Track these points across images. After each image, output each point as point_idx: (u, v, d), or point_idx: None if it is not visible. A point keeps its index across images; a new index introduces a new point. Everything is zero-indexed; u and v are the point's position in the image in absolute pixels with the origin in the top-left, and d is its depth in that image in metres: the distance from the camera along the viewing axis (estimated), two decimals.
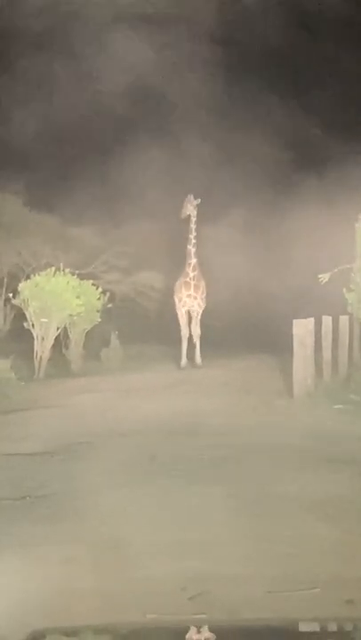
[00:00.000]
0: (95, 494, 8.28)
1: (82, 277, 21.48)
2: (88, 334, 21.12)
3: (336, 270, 15.76)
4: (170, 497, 8.19)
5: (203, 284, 21.29)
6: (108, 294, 21.18)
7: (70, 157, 27.10)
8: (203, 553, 6.52)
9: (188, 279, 21.01)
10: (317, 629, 4.14)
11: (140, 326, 25.00)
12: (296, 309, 17.27)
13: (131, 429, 12.23)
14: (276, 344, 19.29)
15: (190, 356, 20.75)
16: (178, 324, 21.11)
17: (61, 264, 21.02)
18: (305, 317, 15.88)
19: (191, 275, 21.00)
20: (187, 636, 3.69)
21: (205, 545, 6.71)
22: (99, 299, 20.82)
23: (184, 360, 20.59)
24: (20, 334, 21.03)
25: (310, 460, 10.10)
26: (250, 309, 26.82)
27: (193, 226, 20.87)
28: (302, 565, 6.30)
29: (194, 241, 20.95)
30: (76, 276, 20.72)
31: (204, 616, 5.10)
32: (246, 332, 25.26)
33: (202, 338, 21.12)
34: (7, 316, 27.21)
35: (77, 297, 19.88)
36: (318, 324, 16.19)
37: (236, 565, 6.25)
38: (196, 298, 21.06)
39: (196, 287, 21.05)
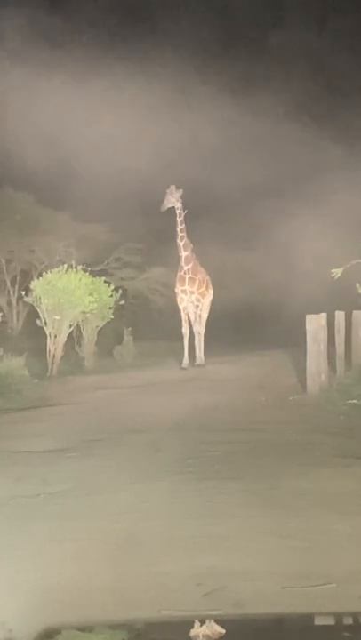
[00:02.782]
0: (109, 491, 8.28)
1: (94, 274, 21.50)
2: (101, 331, 21.14)
3: (349, 265, 15.71)
4: (184, 493, 8.19)
5: (201, 276, 20.60)
6: (120, 291, 21.18)
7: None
8: (217, 549, 6.51)
9: (182, 273, 20.37)
10: (333, 624, 4.13)
11: (153, 323, 25.04)
12: (309, 304, 17.23)
13: (144, 426, 12.24)
14: (288, 339, 19.31)
15: (193, 355, 20.30)
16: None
17: (74, 261, 21.05)
18: (318, 313, 15.85)
19: (185, 268, 20.32)
20: (195, 632, 3.67)
21: (220, 541, 6.70)
22: (111, 296, 20.83)
23: (185, 360, 19.93)
24: (33, 332, 21.07)
25: (324, 455, 10.08)
26: (263, 305, 26.79)
27: (179, 218, 20.15)
28: (317, 560, 6.28)
29: (181, 234, 20.20)
30: (88, 273, 20.74)
31: (218, 612, 5.09)
32: (259, 327, 25.26)
33: (214, 333, 20.84)
34: (20, 313, 27.29)
35: (90, 294, 19.89)
36: (331, 319, 16.15)
37: (250, 561, 6.23)
38: (192, 292, 20.34)
39: (192, 281, 20.30)
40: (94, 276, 21.11)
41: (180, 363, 19.92)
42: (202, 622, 3.81)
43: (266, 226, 25.52)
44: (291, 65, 27.88)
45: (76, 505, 7.81)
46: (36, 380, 17.17)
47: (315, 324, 15.66)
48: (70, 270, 20.21)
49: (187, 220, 20.08)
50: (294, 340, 17.27)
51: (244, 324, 26.45)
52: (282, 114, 26.53)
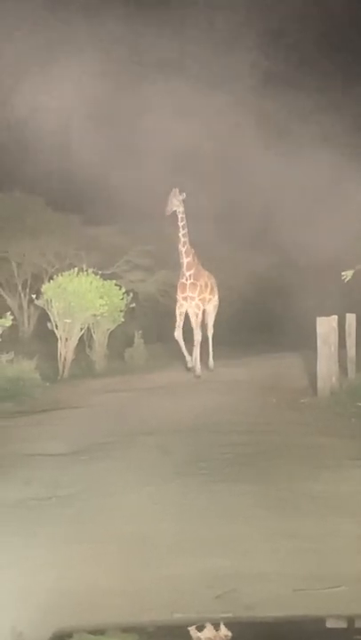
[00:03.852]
0: (120, 493, 8.29)
1: (105, 277, 21.51)
2: (112, 334, 21.15)
3: (360, 267, 15.69)
4: (195, 495, 8.19)
5: (203, 281, 19.88)
6: (131, 294, 21.15)
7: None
8: (229, 551, 6.51)
9: (183, 280, 19.54)
10: (345, 627, 4.12)
11: (164, 326, 25.03)
12: (320, 307, 17.22)
13: (155, 428, 12.24)
14: (299, 342, 19.29)
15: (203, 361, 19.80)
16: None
17: (84, 264, 21.07)
18: (328, 315, 15.84)
19: (187, 274, 19.49)
20: (200, 635, 3.67)
21: (232, 543, 6.70)
22: (122, 299, 20.82)
23: (189, 362, 19.32)
24: (44, 335, 21.10)
25: (335, 457, 10.08)
26: (273, 307, 26.79)
27: (181, 223, 19.28)
28: (329, 563, 6.28)
29: (184, 239, 19.37)
30: (99, 276, 20.75)
31: (230, 614, 5.09)
32: (270, 329, 25.26)
33: (225, 335, 20.75)
34: (31, 317, 27.34)
35: (101, 297, 19.90)
36: (342, 322, 16.14)
37: (262, 563, 6.24)
38: (193, 299, 19.49)
39: (193, 286, 19.50)
40: (105, 279, 21.12)
41: (187, 364, 19.43)
42: (215, 625, 3.82)
43: (277, 227, 25.47)
44: None
45: (87, 507, 7.83)
46: (47, 383, 17.18)
47: (326, 327, 15.64)
48: (81, 273, 20.23)
49: (197, 220, 19.84)
50: (305, 343, 17.25)
51: (255, 326, 26.46)
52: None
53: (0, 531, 7.10)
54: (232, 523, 7.25)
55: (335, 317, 15.90)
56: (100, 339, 20.89)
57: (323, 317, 15.77)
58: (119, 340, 21.74)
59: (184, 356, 19.28)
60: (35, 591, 5.71)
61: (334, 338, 15.72)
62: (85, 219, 28.31)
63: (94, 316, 20.03)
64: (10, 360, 16.74)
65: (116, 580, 5.96)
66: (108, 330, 20.93)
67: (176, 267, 19.84)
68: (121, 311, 20.82)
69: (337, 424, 12.70)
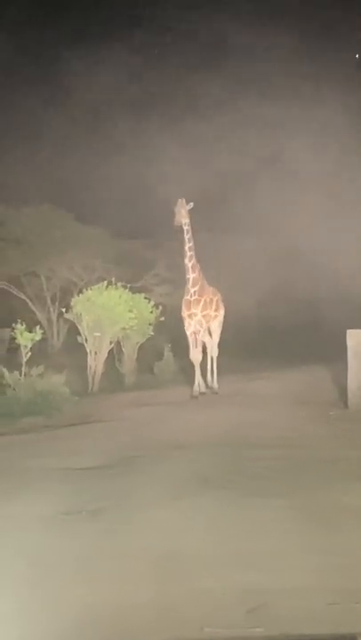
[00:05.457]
0: (150, 508, 8.26)
1: (134, 291, 21.51)
2: (141, 348, 21.14)
3: None
4: (225, 510, 8.15)
5: (207, 297, 18.87)
6: (160, 307, 21.12)
7: None
8: (261, 565, 6.46)
9: (188, 297, 18.57)
10: None
11: None
12: (350, 319, 17.14)
13: (185, 442, 12.21)
14: (329, 354, 19.20)
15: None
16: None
17: (113, 277, 21.07)
18: (359, 327, 15.77)
19: (191, 291, 18.50)
20: None
21: (263, 557, 6.65)
22: (151, 312, 20.79)
23: (195, 387, 18.37)
24: (74, 349, 21.13)
25: None
26: (302, 319, 26.72)
27: (187, 236, 18.36)
28: None
29: (190, 253, 18.41)
30: (128, 290, 20.74)
31: (262, 629, 5.05)
32: (300, 342, 25.17)
33: (253, 348, 20.51)
34: (60, 330, 27.43)
35: (130, 310, 19.89)
36: None
37: (294, 578, 6.18)
38: (195, 315, 18.57)
39: (197, 302, 18.54)
40: (134, 293, 21.13)
41: (193, 392, 18.30)
42: None
43: (307, 240, 25.43)
44: None
45: (116, 522, 7.80)
46: (77, 397, 17.17)
47: (356, 339, 15.57)
48: (110, 287, 20.24)
49: (226, 231, 19.47)
50: (335, 355, 17.18)
51: (284, 339, 26.37)
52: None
53: (29, 546, 7.09)
54: (263, 537, 7.20)
55: None
56: (129, 352, 20.89)
57: (353, 330, 15.70)
58: (148, 354, 21.72)
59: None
60: (64, 607, 5.69)
61: None
62: (114, 232, 28.38)
63: (124, 329, 20.02)
64: (39, 374, 16.75)
65: (146, 594, 5.93)
66: (137, 343, 20.92)
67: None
68: (150, 324, 20.79)
69: None
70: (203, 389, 18.55)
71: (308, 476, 9.76)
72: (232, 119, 26.19)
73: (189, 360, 18.64)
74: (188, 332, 18.65)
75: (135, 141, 26.58)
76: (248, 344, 21.07)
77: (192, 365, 18.62)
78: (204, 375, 18.93)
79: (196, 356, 18.59)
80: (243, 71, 26.90)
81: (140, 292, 22.16)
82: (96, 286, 20.54)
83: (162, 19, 29.30)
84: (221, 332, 19.40)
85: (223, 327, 19.50)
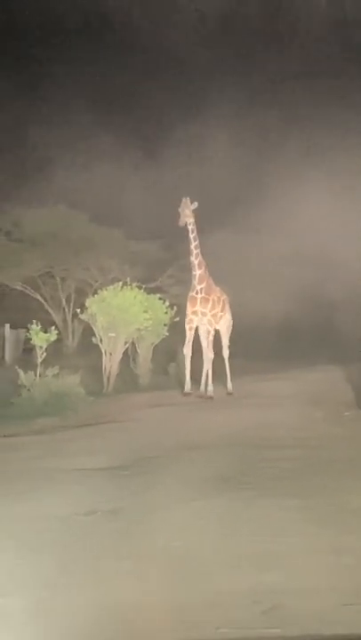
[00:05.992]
0: (165, 508, 8.26)
1: (149, 291, 21.52)
2: (155, 348, 21.15)
3: None
4: (241, 510, 8.14)
5: (215, 297, 19.16)
6: (175, 308, 21.13)
7: None
8: (275, 566, 6.45)
9: (194, 293, 18.86)
10: None
11: None
12: None
13: (199, 442, 12.21)
14: (344, 355, 19.18)
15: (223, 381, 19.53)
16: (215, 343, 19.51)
17: (128, 278, 21.09)
18: None
19: (198, 288, 18.83)
20: None
21: (277, 558, 6.65)
22: (166, 313, 20.80)
23: (188, 384, 18.55)
24: (89, 349, 21.17)
25: None
26: (318, 320, 26.69)
27: (192, 235, 18.70)
28: None
29: (195, 251, 18.77)
30: (142, 290, 20.75)
31: (277, 630, 5.05)
32: (315, 343, 25.15)
33: (268, 349, 20.52)
34: (75, 331, 27.50)
35: (145, 311, 19.90)
36: None
37: (309, 578, 6.18)
38: (205, 314, 18.81)
39: (205, 301, 18.81)
40: (148, 293, 21.13)
41: (184, 389, 18.65)
42: None
43: (323, 242, 25.41)
44: None
45: (131, 523, 7.80)
46: (92, 398, 17.21)
47: None
48: (125, 287, 20.26)
49: (241, 232, 19.59)
50: (350, 356, 17.16)
51: (300, 340, 26.35)
52: None
53: (44, 546, 7.10)
54: (278, 537, 7.19)
55: None
56: (144, 353, 20.90)
57: None
58: (163, 355, 21.74)
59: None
60: (80, 606, 5.70)
61: None
62: (129, 233, 28.42)
63: (138, 330, 20.04)
64: (55, 375, 16.79)
65: (161, 595, 5.93)
66: (152, 344, 20.94)
67: (218, 281, 19.72)
68: (165, 325, 20.80)
69: None
70: (189, 389, 18.49)
71: (323, 476, 9.74)
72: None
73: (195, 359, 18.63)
74: (187, 327, 18.81)
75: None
76: (264, 345, 21.06)
77: (183, 361, 18.83)
78: (201, 375, 19.02)
79: (188, 351, 18.71)
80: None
81: (154, 292, 22.18)
82: (111, 287, 20.56)
83: None
84: (237, 333, 19.45)
85: (239, 328, 19.58)
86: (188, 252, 18.92)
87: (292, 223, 25.76)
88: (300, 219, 25.57)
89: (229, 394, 19.01)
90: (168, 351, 21.74)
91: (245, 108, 27.63)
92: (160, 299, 21.30)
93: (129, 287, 20.32)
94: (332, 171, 25.64)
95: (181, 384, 18.68)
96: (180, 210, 18.50)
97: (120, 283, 20.58)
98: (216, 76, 29.25)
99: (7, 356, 27.19)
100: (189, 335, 18.79)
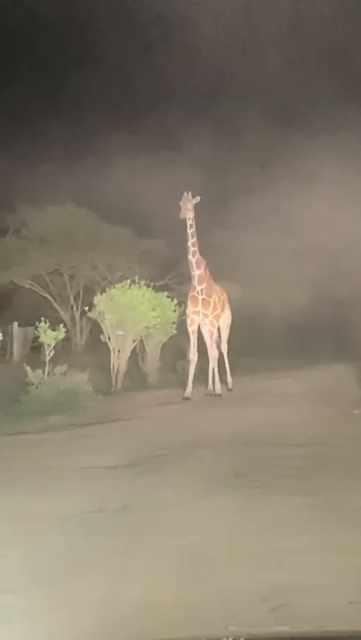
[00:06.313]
0: (175, 506, 8.26)
1: (157, 289, 21.50)
2: (164, 346, 21.13)
3: None
4: (250, 508, 8.14)
5: (216, 297, 18.86)
6: (182, 306, 21.12)
7: None
8: (284, 564, 6.45)
9: (195, 293, 18.56)
10: None
11: None
12: None
13: (208, 440, 12.21)
14: (354, 353, 19.16)
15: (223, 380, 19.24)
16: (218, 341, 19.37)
17: (136, 276, 21.07)
18: None
19: (198, 288, 18.54)
20: None
21: (287, 556, 6.64)
22: (174, 311, 20.77)
23: (189, 388, 17.93)
24: (97, 347, 21.17)
25: None
26: (326, 318, 26.68)
27: (190, 231, 18.36)
28: None
29: (193, 248, 18.44)
30: (151, 288, 20.73)
31: (285, 628, 5.04)
32: (324, 341, 25.13)
33: (277, 347, 20.47)
34: (84, 329, 27.52)
35: (153, 309, 19.89)
36: None
37: (318, 576, 6.17)
38: (207, 315, 18.50)
39: (206, 302, 18.49)
40: (157, 291, 21.11)
41: (185, 393, 17.96)
42: (269, 638, 3.78)
43: (331, 239, 25.38)
44: None
45: (140, 520, 7.81)
46: (100, 396, 17.21)
47: None
48: (133, 285, 20.24)
49: (249, 231, 19.60)
50: (359, 354, 17.14)
51: (308, 338, 26.32)
52: None
53: (55, 544, 7.11)
54: (287, 535, 7.19)
55: None
56: (152, 351, 20.89)
57: None
58: (171, 353, 21.72)
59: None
60: (90, 604, 5.71)
61: None
62: (137, 231, 28.43)
63: (147, 328, 20.02)
64: (63, 373, 16.80)
65: (170, 592, 5.93)
66: (160, 342, 20.92)
67: (226, 279, 19.69)
68: (173, 323, 20.78)
69: None
70: (189, 393, 17.98)
71: (331, 474, 9.73)
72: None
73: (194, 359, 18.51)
74: (189, 329, 18.61)
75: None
76: (272, 343, 21.03)
77: (188, 365, 18.54)
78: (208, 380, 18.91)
79: (194, 357, 18.47)
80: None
81: (162, 290, 22.15)
82: (119, 285, 20.54)
83: None
84: (248, 331, 19.43)
85: (249, 326, 19.56)
86: (186, 250, 18.61)
87: (300, 220, 25.76)
88: (308, 215, 25.58)
89: (229, 390, 19.00)
90: (176, 349, 21.72)
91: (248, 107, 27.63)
92: (168, 297, 21.27)
93: (137, 285, 20.29)
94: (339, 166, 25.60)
95: (184, 387, 18.43)
96: (181, 203, 18.30)
97: (128, 281, 20.56)
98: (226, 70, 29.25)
99: (15, 354, 27.26)
100: (193, 339, 18.59)
